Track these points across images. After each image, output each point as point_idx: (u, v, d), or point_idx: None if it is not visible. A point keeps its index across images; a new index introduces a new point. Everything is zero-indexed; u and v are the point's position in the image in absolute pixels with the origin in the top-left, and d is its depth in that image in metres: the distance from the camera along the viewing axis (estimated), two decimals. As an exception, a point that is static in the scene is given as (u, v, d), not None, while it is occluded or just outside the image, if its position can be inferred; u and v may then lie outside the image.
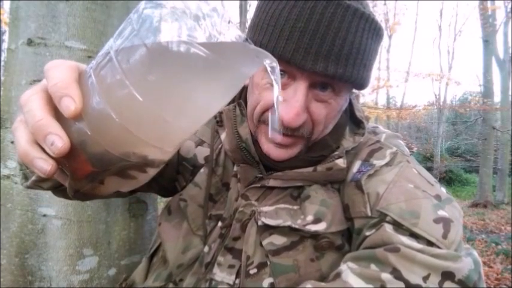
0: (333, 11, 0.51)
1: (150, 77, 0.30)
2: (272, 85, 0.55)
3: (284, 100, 0.55)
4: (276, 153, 0.59)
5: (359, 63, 0.54)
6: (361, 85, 0.57)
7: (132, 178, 0.38)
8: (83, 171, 0.35)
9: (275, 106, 0.41)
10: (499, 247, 5.00)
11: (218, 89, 0.34)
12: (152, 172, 0.39)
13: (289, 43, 0.51)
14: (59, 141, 0.32)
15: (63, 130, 0.32)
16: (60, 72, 0.34)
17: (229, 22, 0.32)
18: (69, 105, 0.32)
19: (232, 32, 0.32)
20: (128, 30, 0.31)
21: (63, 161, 0.34)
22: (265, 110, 0.58)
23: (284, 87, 0.55)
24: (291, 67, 0.53)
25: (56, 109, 0.33)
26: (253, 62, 0.34)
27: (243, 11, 8.08)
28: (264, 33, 0.54)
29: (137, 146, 0.33)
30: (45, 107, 0.34)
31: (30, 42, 0.96)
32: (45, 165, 0.33)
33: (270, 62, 0.35)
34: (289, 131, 0.56)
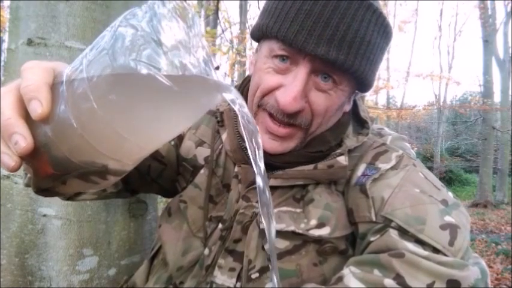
0: None
1: (112, 96, 0.32)
2: (274, 70, 0.56)
3: (283, 85, 0.55)
4: (270, 145, 0.58)
5: (362, 53, 0.53)
6: (363, 81, 0.56)
7: (93, 183, 0.39)
8: (44, 172, 0.37)
9: (245, 137, 0.40)
10: (499, 247, 4.99)
11: (177, 115, 0.36)
12: (113, 179, 0.40)
13: (293, 25, 0.52)
14: (22, 141, 0.33)
15: (29, 131, 0.34)
16: (33, 74, 0.35)
17: (195, 54, 0.33)
18: (37, 109, 0.33)
19: (198, 62, 0.33)
20: (101, 46, 0.33)
21: (28, 159, 0.36)
22: (264, 95, 0.57)
23: (285, 72, 0.55)
24: (293, 51, 0.53)
25: (27, 109, 0.35)
26: (213, 94, 0.36)
27: (243, 11, 8.07)
28: (271, 16, 0.55)
29: (96, 156, 0.35)
30: (15, 106, 0.35)
31: (30, 42, 0.95)
32: (9, 161, 0.34)
33: (230, 95, 0.37)
34: (286, 118, 0.55)
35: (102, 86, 0.32)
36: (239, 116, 0.39)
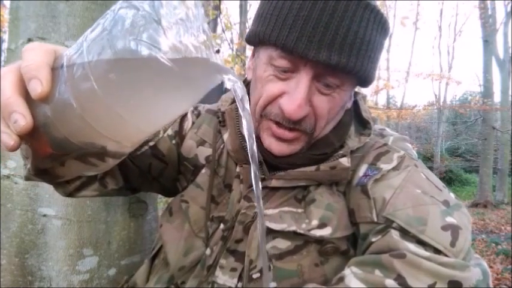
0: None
1: (112, 76, 0.32)
2: (275, 76, 0.55)
3: (287, 92, 0.54)
4: (277, 147, 0.58)
5: (363, 54, 0.53)
6: (365, 79, 0.56)
7: (92, 165, 0.39)
8: (43, 152, 0.37)
9: (244, 128, 0.40)
10: (499, 247, 4.99)
11: (177, 97, 0.36)
12: (112, 162, 0.40)
13: (292, 32, 0.51)
14: (22, 120, 0.33)
15: (29, 110, 0.34)
16: (34, 55, 0.35)
17: (197, 35, 0.33)
18: (37, 88, 0.33)
19: (199, 44, 0.33)
20: (102, 26, 0.33)
21: (27, 138, 0.36)
22: (267, 104, 0.57)
23: (286, 78, 0.55)
24: (294, 58, 0.52)
25: (27, 89, 0.35)
26: (213, 76, 0.36)
27: (243, 11, 8.07)
28: (268, 23, 0.54)
29: (95, 137, 0.35)
30: (15, 85, 0.35)
31: (30, 42, 0.95)
32: (8, 140, 0.35)
33: (230, 78, 0.37)
34: (291, 124, 0.55)
35: (102, 66, 0.32)
36: (238, 102, 0.39)
